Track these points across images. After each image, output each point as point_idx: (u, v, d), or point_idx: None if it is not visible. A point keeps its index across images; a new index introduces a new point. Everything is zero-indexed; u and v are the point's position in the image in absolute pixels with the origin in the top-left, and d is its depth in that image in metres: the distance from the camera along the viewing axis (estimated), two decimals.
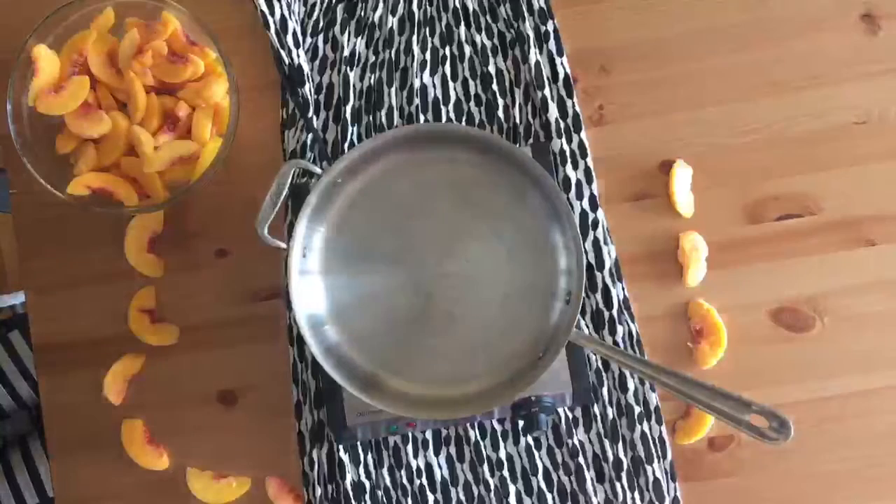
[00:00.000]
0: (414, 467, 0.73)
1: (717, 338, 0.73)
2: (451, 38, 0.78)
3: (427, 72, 0.77)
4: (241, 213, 0.75)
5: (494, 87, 0.77)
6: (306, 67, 0.76)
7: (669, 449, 0.73)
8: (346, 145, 0.76)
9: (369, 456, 0.74)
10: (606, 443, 0.73)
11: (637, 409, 0.73)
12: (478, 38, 0.78)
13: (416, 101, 0.76)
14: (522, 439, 0.73)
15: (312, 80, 0.77)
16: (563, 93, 0.76)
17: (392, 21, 0.78)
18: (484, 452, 0.73)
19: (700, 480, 0.74)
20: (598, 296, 0.74)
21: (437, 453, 0.74)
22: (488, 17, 0.78)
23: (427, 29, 0.78)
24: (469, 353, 0.68)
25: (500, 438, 0.74)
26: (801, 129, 0.76)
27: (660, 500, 0.72)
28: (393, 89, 0.77)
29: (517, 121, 0.77)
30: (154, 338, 0.75)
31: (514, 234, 0.69)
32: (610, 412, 0.73)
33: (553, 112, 0.75)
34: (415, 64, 0.77)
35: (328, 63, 0.78)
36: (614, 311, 0.73)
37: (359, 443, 0.73)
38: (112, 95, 0.72)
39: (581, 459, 0.73)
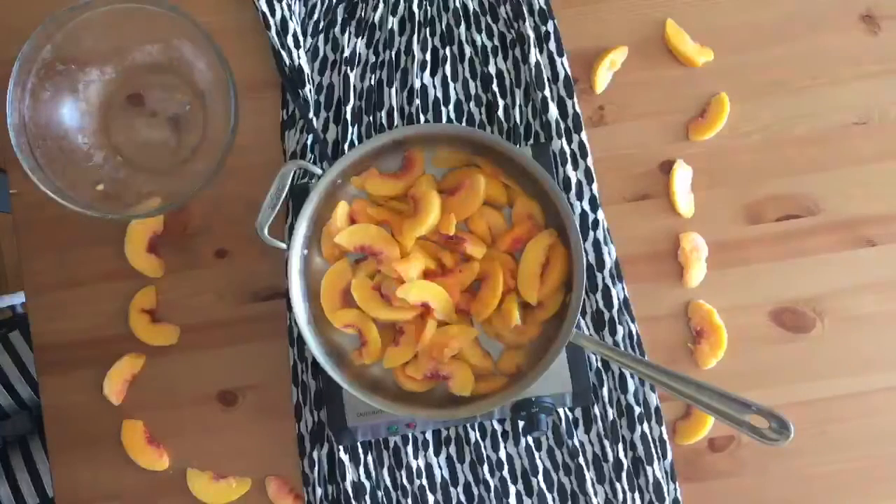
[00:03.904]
0: (414, 468, 0.73)
1: (717, 339, 0.73)
2: (452, 39, 0.78)
3: (427, 72, 0.77)
4: (241, 214, 0.75)
5: (495, 87, 0.77)
6: (307, 68, 0.76)
7: (670, 449, 0.73)
8: (347, 146, 0.76)
9: (369, 456, 0.74)
10: (607, 443, 0.73)
11: (637, 410, 0.73)
12: (478, 39, 0.78)
13: (417, 101, 0.76)
14: (522, 440, 0.73)
15: (312, 81, 0.77)
16: (564, 93, 0.76)
17: (392, 21, 0.78)
18: (484, 453, 0.73)
19: (700, 481, 0.74)
20: (599, 296, 0.74)
21: (437, 454, 0.74)
22: (488, 18, 0.78)
23: (427, 29, 0.78)
24: None
25: (500, 439, 0.73)
26: (802, 130, 0.76)
27: (660, 500, 0.72)
28: (393, 90, 0.77)
29: (517, 121, 0.77)
30: (154, 338, 0.75)
31: None
32: (610, 413, 0.73)
33: (553, 112, 0.75)
34: (415, 64, 0.77)
35: (328, 63, 0.78)
36: (614, 312, 0.73)
37: (359, 443, 0.73)
38: None
39: (581, 460, 0.73)
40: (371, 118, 0.77)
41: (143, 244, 0.76)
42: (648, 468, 0.72)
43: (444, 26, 0.78)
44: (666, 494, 0.72)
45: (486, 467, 0.73)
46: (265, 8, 0.76)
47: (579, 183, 0.75)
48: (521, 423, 0.73)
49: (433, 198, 0.67)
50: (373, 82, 0.77)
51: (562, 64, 0.76)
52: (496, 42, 0.78)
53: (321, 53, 0.78)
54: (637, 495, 0.72)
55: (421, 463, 0.73)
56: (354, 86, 0.77)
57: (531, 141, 0.76)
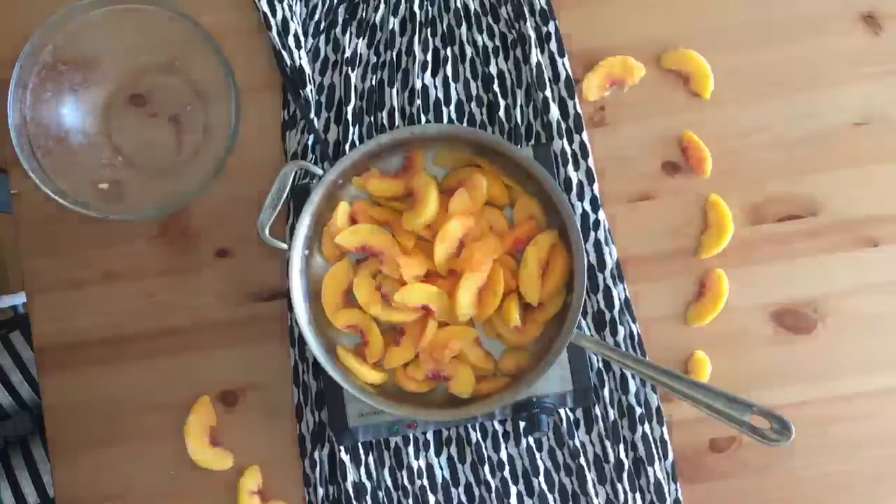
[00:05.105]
0: (415, 468, 0.73)
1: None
2: (453, 39, 0.78)
3: (428, 73, 0.77)
4: (242, 214, 0.75)
5: (496, 87, 0.77)
6: (308, 69, 0.76)
7: (671, 450, 0.73)
8: (348, 146, 0.76)
9: (370, 457, 0.74)
10: (608, 444, 0.73)
11: (638, 410, 0.73)
12: (479, 39, 0.78)
13: (418, 101, 0.76)
14: (524, 440, 0.73)
15: (313, 81, 0.77)
16: (565, 94, 0.76)
17: (393, 22, 0.78)
18: (485, 453, 0.73)
19: (701, 481, 0.74)
20: (600, 297, 0.74)
21: (438, 454, 0.74)
22: (489, 18, 0.78)
23: (428, 30, 0.78)
24: None
25: (501, 439, 0.73)
26: (803, 130, 0.76)
27: (661, 501, 0.72)
28: (394, 90, 0.77)
29: (518, 121, 0.76)
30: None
31: None
32: (611, 413, 0.73)
33: (554, 113, 0.75)
34: (416, 65, 0.77)
35: (329, 64, 0.78)
36: (615, 312, 0.73)
37: (360, 444, 0.73)
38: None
39: (582, 460, 0.73)
40: (372, 118, 0.77)
41: (204, 439, 0.74)
42: (649, 469, 0.72)
43: (445, 27, 0.78)
44: (667, 495, 0.72)
45: (487, 468, 0.73)
46: (266, 8, 0.76)
47: (580, 183, 0.75)
48: (522, 424, 0.73)
49: (431, 189, 0.67)
50: (374, 83, 0.77)
51: (563, 64, 0.76)
52: (497, 42, 0.78)
53: (322, 54, 0.78)
54: (638, 496, 0.72)
55: (422, 463, 0.73)
56: (355, 86, 0.77)
57: (532, 141, 0.76)
